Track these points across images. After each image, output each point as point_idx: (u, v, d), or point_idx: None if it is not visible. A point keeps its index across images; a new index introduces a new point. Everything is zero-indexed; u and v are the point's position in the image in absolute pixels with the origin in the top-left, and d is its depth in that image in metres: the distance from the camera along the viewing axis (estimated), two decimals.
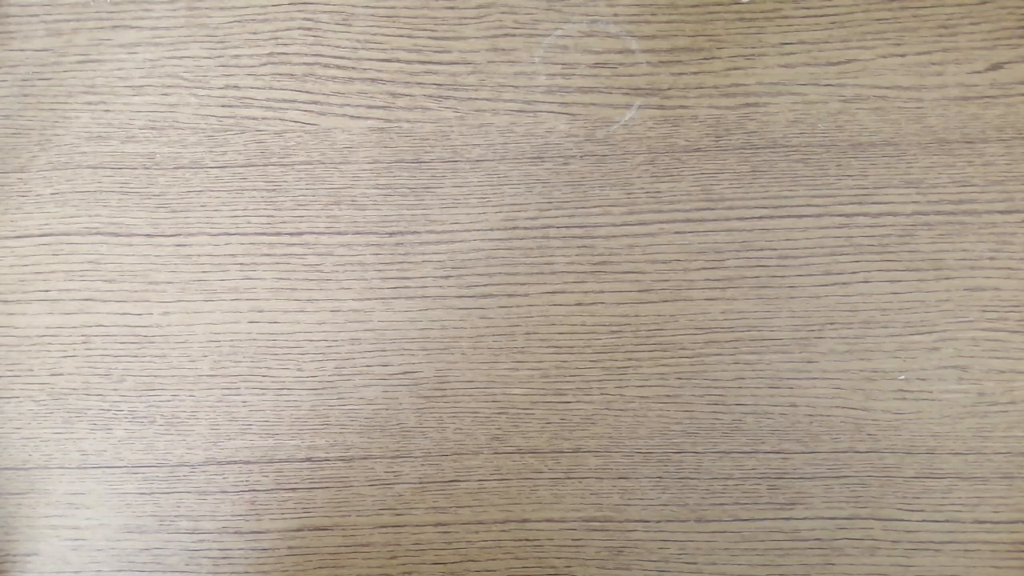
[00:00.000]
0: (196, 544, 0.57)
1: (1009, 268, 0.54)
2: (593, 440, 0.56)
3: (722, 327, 0.56)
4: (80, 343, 0.57)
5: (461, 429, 0.57)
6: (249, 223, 0.57)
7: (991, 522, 0.55)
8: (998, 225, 0.55)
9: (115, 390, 0.57)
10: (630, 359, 0.56)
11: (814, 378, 0.55)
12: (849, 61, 0.56)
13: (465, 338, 0.56)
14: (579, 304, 0.56)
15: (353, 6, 0.57)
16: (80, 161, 0.57)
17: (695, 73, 0.56)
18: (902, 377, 0.55)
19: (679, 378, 0.56)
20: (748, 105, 0.56)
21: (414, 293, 0.56)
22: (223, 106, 0.57)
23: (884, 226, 0.55)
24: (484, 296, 0.56)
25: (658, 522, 0.56)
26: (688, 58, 0.56)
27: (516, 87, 0.57)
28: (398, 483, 0.57)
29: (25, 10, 0.58)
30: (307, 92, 0.57)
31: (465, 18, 0.57)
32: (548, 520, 0.57)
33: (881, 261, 0.55)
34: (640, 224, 0.56)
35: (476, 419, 0.57)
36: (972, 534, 0.55)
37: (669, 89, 0.56)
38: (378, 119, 0.57)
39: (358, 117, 0.57)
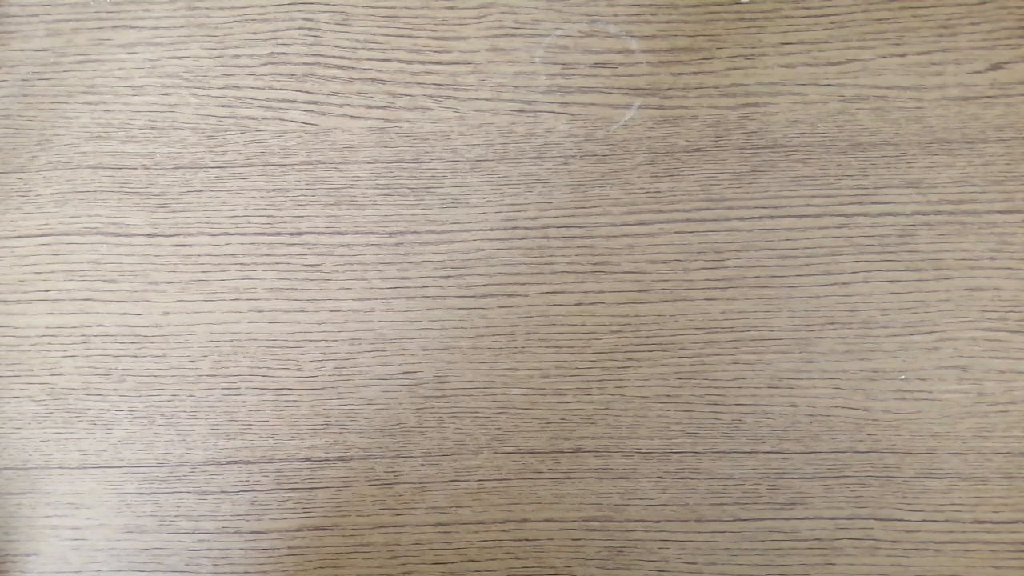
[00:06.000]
0: (196, 544, 0.57)
1: (1009, 268, 0.54)
2: (593, 440, 0.56)
3: (722, 327, 0.56)
4: (80, 343, 0.57)
5: (461, 429, 0.57)
6: (249, 223, 0.57)
7: (991, 522, 0.55)
8: (998, 225, 0.55)
9: (115, 390, 0.57)
10: (630, 359, 0.56)
11: (814, 378, 0.55)
12: (849, 61, 0.56)
13: (465, 338, 0.56)
14: (579, 304, 0.56)
15: (353, 6, 0.57)
16: (80, 161, 0.57)
17: (695, 73, 0.56)
18: (902, 377, 0.55)
19: (679, 378, 0.56)
20: (748, 105, 0.56)
21: (414, 293, 0.56)
22: (223, 106, 0.57)
23: (884, 226, 0.55)
24: (484, 296, 0.56)
25: (658, 522, 0.56)
26: (688, 58, 0.56)
27: (516, 87, 0.57)
28: (398, 483, 0.57)
29: (25, 10, 0.58)
30: (307, 92, 0.57)
31: (465, 18, 0.57)
32: (548, 520, 0.57)
33: (881, 261, 0.55)
34: (640, 224, 0.56)
35: (476, 419, 0.57)
36: (972, 534, 0.55)
37: (669, 89, 0.56)
38: (378, 119, 0.57)
39: (358, 117, 0.57)
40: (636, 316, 0.56)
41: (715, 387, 0.56)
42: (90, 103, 0.57)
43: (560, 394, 0.56)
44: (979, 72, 0.55)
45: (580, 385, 0.56)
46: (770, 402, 0.55)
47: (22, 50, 0.58)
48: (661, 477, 0.56)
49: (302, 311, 0.57)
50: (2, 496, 0.58)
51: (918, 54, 0.55)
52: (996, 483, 0.55)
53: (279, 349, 0.57)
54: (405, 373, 0.57)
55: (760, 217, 0.56)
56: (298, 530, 0.57)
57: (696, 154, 0.56)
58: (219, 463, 0.57)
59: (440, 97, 0.57)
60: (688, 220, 0.56)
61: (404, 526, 0.57)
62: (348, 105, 0.57)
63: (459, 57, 0.57)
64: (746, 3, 0.56)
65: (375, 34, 0.57)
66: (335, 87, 0.57)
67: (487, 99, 0.57)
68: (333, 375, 0.57)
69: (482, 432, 0.57)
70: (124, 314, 0.57)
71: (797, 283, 0.55)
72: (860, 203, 0.55)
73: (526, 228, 0.56)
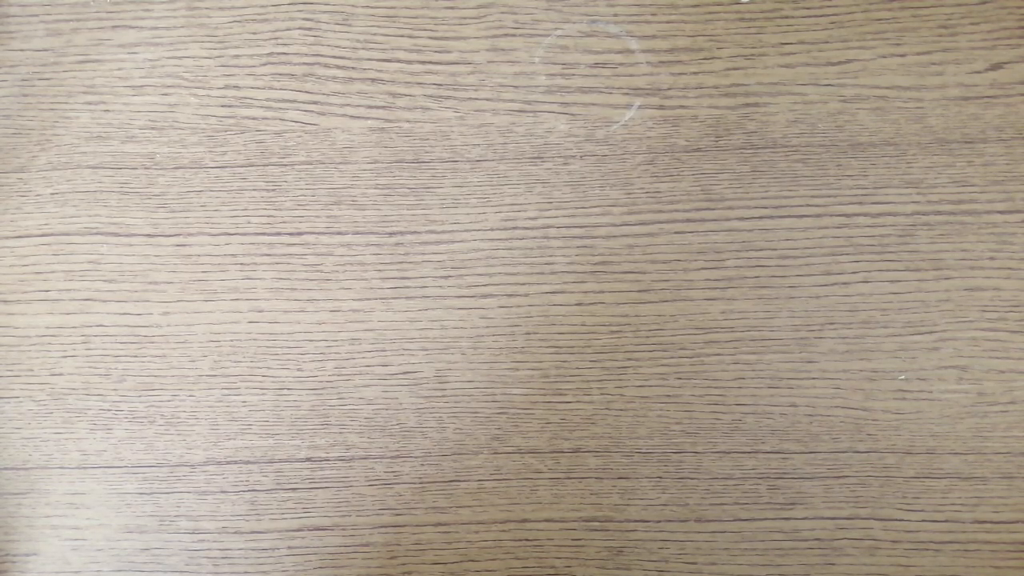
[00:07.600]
0: (196, 544, 0.57)
1: (1009, 268, 0.55)
2: (593, 440, 0.56)
3: (722, 327, 0.56)
4: (80, 343, 0.57)
5: (461, 429, 0.57)
6: (249, 223, 0.57)
7: (991, 522, 0.55)
8: (998, 225, 0.55)
9: (115, 390, 0.57)
10: (630, 359, 0.56)
11: (814, 378, 0.55)
12: (849, 61, 0.56)
13: (465, 338, 0.56)
14: (579, 304, 0.56)
15: (353, 6, 0.57)
16: (80, 161, 0.57)
17: (695, 73, 0.56)
18: (902, 377, 0.55)
19: (679, 378, 0.56)
20: (748, 105, 0.56)
21: (414, 293, 0.56)
22: (223, 106, 0.57)
23: (884, 226, 0.55)
24: (484, 296, 0.56)
25: (658, 522, 0.56)
26: (688, 58, 0.56)
27: (516, 87, 0.57)
28: (398, 483, 0.57)
29: (25, 10, 0.58)
30: (307, 92, 0.57)
31: (465, 18, 0.57)
32: (548, 520, 0.57)
33: (881, 261, 0.55)
34: (640, 224, 0.56)
35: (476, 419, 0.57)
36: (972, 534, 0.55)
37: (669, 89, 0.56)
38: (378, 119, 0.57)
39: (358, 117, 0.57)
40: (636, 316, 0.56)
41: (715, 387, 0.56)
42: (90, 103, 0.57)
43: (560, 394, 0.56)
44: (979, 72, 0.55)
45: (580, 385, 0.56)
46: (770, 402, 0.55)
47: (22, 50, 0.58)
48: (661, 477, 0.56)
49: (302, 311, 0.57)
50: (2, 496, 0.58)
51: (918, 54, 0.55)
52: (996, 483, 0.55)
53: (279, 349, 0.57)
54: (405, 373, 0.57)
55: (760, 217, 0.56)
56: (298, 530, 0.57)
57: (696, 154, 0.56)
58: (219, 463, 0.57)
59: (440, 97, 0.57)
60: (688, 220, 0.56)
61: (404, 526, 0.57)
62: (348, 105, 0.57)
63: (459, 57, 0.57)
64: (746, 3, 0.56)
65: (375, 34, 0.57)
66: (335, 87, 0.57)
67: (487, 99, 0.57)
68: (333, 375, 0.57)
69: (482, 432, 0.57)
70: (124, 314, 0.57)
71: (797, 283, 0.55)
72: (860, 203, 0.55)
73: (526, 228, 0.56)
